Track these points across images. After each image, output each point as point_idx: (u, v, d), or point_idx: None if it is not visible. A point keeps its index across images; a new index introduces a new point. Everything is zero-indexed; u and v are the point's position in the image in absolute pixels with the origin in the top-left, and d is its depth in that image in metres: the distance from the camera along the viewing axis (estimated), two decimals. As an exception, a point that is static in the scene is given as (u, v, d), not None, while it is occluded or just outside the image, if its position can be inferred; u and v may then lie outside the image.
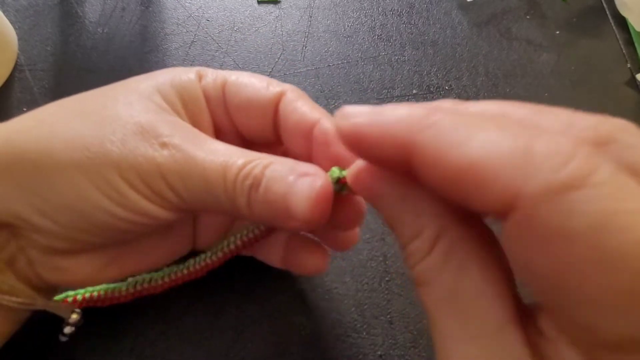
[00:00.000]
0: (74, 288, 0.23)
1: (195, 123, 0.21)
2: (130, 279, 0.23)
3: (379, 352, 0.26)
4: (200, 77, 0.22)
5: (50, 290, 0.22)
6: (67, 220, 0.19)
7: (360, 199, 0.21)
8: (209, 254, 0.24)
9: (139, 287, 0.23)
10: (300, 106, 0.20)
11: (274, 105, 0.21)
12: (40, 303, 0.21)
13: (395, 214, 0.15)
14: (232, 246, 0.23)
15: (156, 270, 0.24)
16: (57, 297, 0.22)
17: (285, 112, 0.21)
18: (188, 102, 0.21)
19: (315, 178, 0.18)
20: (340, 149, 0.19)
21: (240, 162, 0.19)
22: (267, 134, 0.22)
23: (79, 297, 0.22)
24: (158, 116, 0.20)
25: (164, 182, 0.19)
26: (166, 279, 0.23)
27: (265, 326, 0.27)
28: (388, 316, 0.27)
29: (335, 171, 0.18)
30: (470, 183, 0.12)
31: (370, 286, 0.28)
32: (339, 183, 0.18)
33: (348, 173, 0.16)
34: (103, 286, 0.23)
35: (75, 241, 0.20)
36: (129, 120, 0.19)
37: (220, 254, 0.23)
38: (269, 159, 0.19)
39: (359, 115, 0.14)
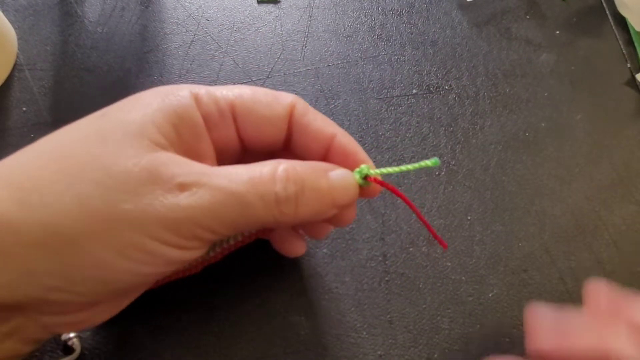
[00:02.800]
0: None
1: (193, 149, 0.20)
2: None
3: (378, 352, 0.26)
4: (196, 99, 0.20)
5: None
6: (89, 290, 0.17)
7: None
8: (229, 239, 0.25)
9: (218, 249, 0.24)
10: (313, 119, 0.21)
11: (288, 118, 0.21)
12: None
13: None
14: (230, 244, 0.24)
15: None
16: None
17: (300, 125, 0.21)
18: (182, 130, 0.19)
19: (344, 171, 0.20)
20: (361, 158, 0.21)
21: (266, 174, 0.18)
22: (277, 145, 0.22)
23: None
24: (159, 155, 0.18)
25: (196, 225, 0.18)
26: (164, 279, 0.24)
27: (264, 326, 0.27)
28: (388, 316, 0.27)
29: (365, 168, 0.21)
30: None
31: (370, 286, 0.28)
32: (365, 179, 0.21)
33: None
34: None
35: (96, 302, 0.19)
36: (133, 169, 0.17)
37: (239, 238, 0.24)
38: (287, 163, 0.19)
39: (545, 338, 0.17)
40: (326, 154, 0.22)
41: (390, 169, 0.21)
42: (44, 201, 0.16)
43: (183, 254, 0.18)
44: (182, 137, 0.19)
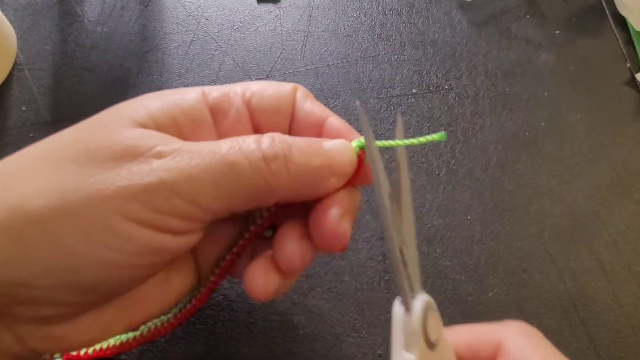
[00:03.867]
0: (77, 350, 0.20)
1: (191, 138, 0.18)
2: (142, 327, 0.21)
3: (378, 351, 0.26)
4: (203, 93, 0.19)
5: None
6: (56, 284, 0.15)
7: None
8: (204, 280, 0.22)
9: (145, 334, 0.21)
10: (311, 104, 0.21)
11: (292, 103, 0.21)
12: None
13: None
14: (224, 262, 0.21)
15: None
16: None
17: (301, 109, 0.21)
18: (180, 118, 0.18)
19: (339, 140, 0.19)
20: (355, 136, 0.20)
21: (250, 138, 0.17)
22: (284, 130, 0.21)
23: (82, 352, 0.21)
24: (142, 131, 0.17)
25: (173, 193, 0.15)
26: (172, 320, 0.22)
27: (264, 326, 0.27)
28: (387, 315, 0.27)
29: (363, 140, 0.20)
30: None
31: (369, 285, 0.28)
32: (361, 150, 0.20)
33: None
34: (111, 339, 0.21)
35: (71, 305, 0.17)
36: (110, 144, 0.16)
37: (214, 276, 0.22)
38: (270, 134, 0.18)
39: None
40: (320, 137, 0.21)
41: (393, 142, 0.19)
42: (19, 184, 0.15)
43: (162, 239, 0.16)
44: (179, 126, 0.18)
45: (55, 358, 0.21)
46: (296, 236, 0.19)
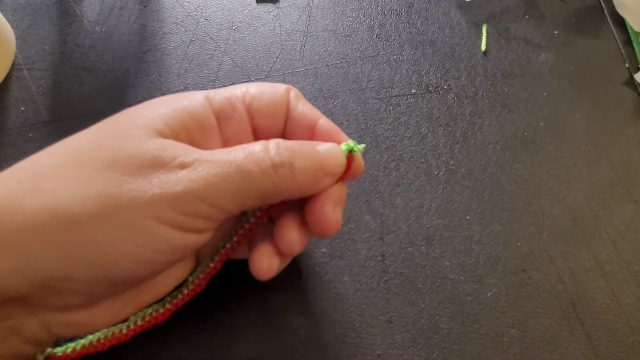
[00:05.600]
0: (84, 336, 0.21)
1: (201, 144, 0.20)
2: (131, 317, 0.22)
3: (377, 352, 0.26)
4: (207, 98, 0.21)
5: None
6: (90, 278, 0.17)
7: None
8: (202, 266, 0.23)
9: (140, 323, 0.22)
10: (303, 105, 0.23)
11: (287, 105, 0.23)
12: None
13: None
14: (225, 249, 0.23)
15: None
16: (58, 349, 0.21)
17: (294, 111, 0.23)
18: (191, 125, 0.20)
19: (330, 143, 0.22)
20: (343, 138, 0.23)
21: (259, 146, 0.20)
22: (279, 132, 0.23)
23: (78, 347, 0.21)
24: (163, 141, 0.19)
25: (198, 199, 0.18)
26: (167, 306, 0.23)
27: (263, 326, 0.27)
28: (387, 316, 0.27)
29: (352, 142, 0.22)
30: None
31: (368, 286, 0.28)
32: (350, 153, 0.22)
33: None
34: (103, 330, 0.21)
35: (97, 295, 0.19)
36: (136, 153, 0.18)
37: (213, 262, 0.23)
38: (276, 139, 0.21)
39: None
40: (312, 138, 0.23)
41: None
42: (53, 187, 0.17)
43: (187, 238, 0.18)
44: (190, 132, 0.20)
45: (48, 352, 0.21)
46: (295, 226, 0.22)
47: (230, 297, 0.27)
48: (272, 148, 0.20)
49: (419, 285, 0.28)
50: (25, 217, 0.16)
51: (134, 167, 0.17)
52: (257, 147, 0.20)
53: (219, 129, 0.21)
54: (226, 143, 0.22)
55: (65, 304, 0.18)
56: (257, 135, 0.23)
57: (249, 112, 0.22)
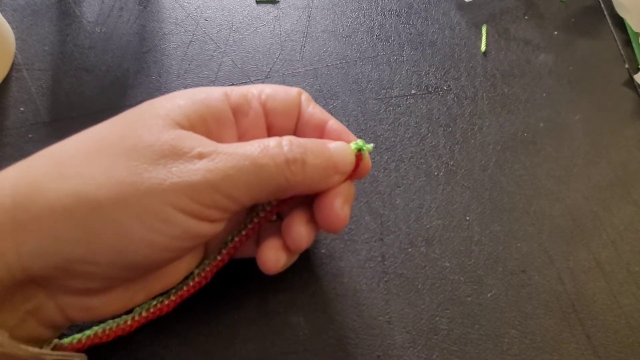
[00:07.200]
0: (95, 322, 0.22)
1: (216, 135, 0.21)
2: (136, 308, 0.22)
3: (377, 353, 0.26)
4: (225, 93, 0.22)
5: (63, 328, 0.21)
6: (109, 261, 0.18)
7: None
8: (209, 259, 0.24)
9: (144, 314, 0.22)
10: (313, 108, 0.24)
11: (299, 106, 0.24)
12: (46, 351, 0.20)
13: None
14: (233, 242, 0.23)
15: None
16: (65, 340, 0.21)
17: (305, 112, 0.24)
18: (208, 117, 0.21)
19: (340, 142, 0.22)
20: (352, 139, 0.23)
21: (273, 142, 0.20)
22: (291, 130, 0.24)
23: (84, 338, 0.21)
24: (181, 132, 0.19)
25: (215, 190, 0.18)
26: (172, 297, 0.23)
27: (263, 327, 0.27)
28: (386, 316, 0.27)
29: (361, 142, 0.23)
30: None
31: (368, 286, 0.28)
32: (359, 151, 0.23)
33: None
34: (109, 322, 0.22)
35: (113, 279, 0.19)
36: (156, 143, 0.18)
37: (221, 255, 0.23)
38: (289, 136, 0.21)
39: None
40: (322, 138, 0.24)
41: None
42: (77, 172, 0.18)
43: (201, 226, 0.19)
44: (207, 124, 0.21)
45: (53, 343, 0.21)
46: (303, 221, 0.23)
47: (230, 297, 0.27)
48: (286, 144, 0.20)
49: (419, 286, 0.28)
50: (50, 200, 0.17)
51: (154, 156, 0.18)
52: (272, 142, 0.20)
53: (235, 123, 0.22)
54: (241, 137, 0.22)
55: (84, 288, 0.19)
56: (271, 132, 0.23)
57: (265, 109, 0.23)
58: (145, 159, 0.18)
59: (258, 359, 0.26)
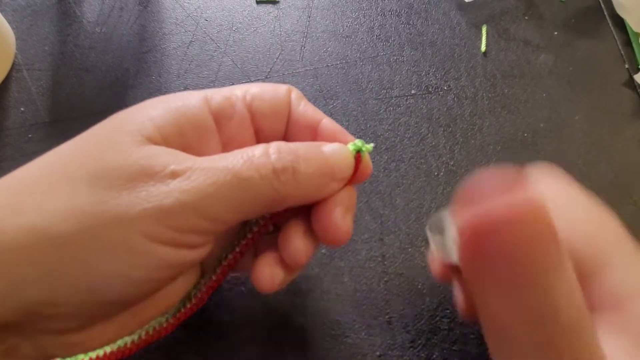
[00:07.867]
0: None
1: (197, 148, 0.19)
2: (137, 330, 0.21)
3: (377, 353, 0.26)
4: (205, 99, 0.20)
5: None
6: (81, 300, 0.16)
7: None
8: (204, 279, 0.22)
9: (143, 337, 0.21)
10: (305, 105, 0.22)
11: (289, 105, 0.21)
12: None
13: None
14: (227, 261, 0.22)
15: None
16: None
17: (296, 111, 0.21)
18: (186, 128, 0.19)
19: (337, 144, 0.20)
20: (349, 138, 0.21)
21: (259, 150, 0.18)
22: (281, 133, 0.22)
23: None
24: (152, 148, 0.17)
25: (191, 211, 0.16)
26: (171, 321, 0.21)
27: (264, 326, 0.27)
28: (387, 316, 0.27)
29: (359, 142, 0.21)
30: None
31: (368, 286, 0.28)
32: (358, 153, 0.20)
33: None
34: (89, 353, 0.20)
35: (92, 317, 0.17)
36: (123, 164, 0.16)
37: (215, 275, 0.22)
38: (278, 142, 0.19)
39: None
40: (315, 139, 0.21)
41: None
42: (37, 204, 0.16)
43: (180, 254, 0.17)
44: (185, 136, 0.19)
45: None
46: (299, 234, 0.20)
47: (230, 298, 0.27)
48: (273, 152, 0.18)
49: (419, 286, 0.28)
50: (6, 237, 0.15)
51: (121, 180, 0.16)
52: (257, 151, 0.18)
53: (217, 131, 0.20)
54: (226, 146, 0.20)
55: (58, 328, 0.17)
56: (259, 136, 0.21)
57: (250, 111, 0.20)
58: (110, 184, 0.16)
59: (258, 358, 0.26)
